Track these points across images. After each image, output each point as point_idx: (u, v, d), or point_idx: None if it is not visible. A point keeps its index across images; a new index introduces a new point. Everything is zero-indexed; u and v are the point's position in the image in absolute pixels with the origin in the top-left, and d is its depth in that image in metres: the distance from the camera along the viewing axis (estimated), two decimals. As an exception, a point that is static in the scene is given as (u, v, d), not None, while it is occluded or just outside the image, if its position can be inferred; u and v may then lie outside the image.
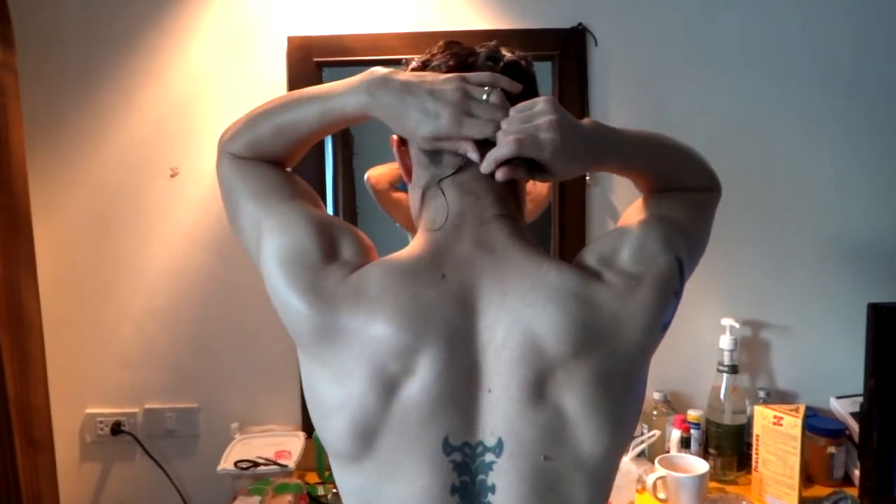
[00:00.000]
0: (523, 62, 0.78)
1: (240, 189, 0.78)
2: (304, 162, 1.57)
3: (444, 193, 0.74)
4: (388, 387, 0.65)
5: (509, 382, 0.66)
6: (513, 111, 0.70)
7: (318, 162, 1.61)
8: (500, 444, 0.65)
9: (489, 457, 0.65)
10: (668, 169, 0.81)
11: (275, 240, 0.72)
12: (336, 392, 0.66)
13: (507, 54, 0.77)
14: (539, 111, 0.69)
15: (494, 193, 0.74)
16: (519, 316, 0.67)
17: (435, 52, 0.78)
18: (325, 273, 0.69)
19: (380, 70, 0.73)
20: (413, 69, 0.78)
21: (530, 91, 0.77)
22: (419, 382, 0.65)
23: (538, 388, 0.65)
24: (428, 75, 0.72)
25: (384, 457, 0.65)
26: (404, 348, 0.65)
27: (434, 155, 0.75)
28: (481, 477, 0.65)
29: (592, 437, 0.66)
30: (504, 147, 0.68)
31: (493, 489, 0.65)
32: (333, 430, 0.67)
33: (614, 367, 0.68)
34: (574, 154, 0.70)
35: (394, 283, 0.67)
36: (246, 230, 0.77)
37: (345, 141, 1.67)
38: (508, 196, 0.76)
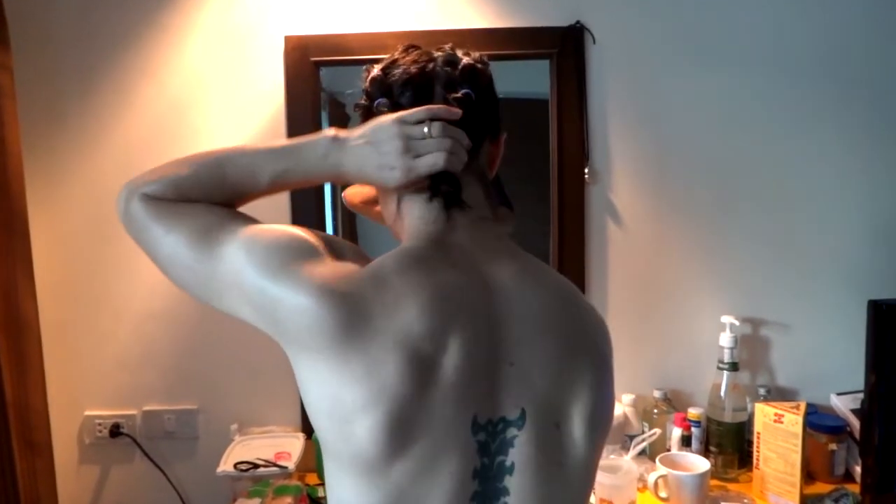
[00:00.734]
0: (479, 65, 0.79)
1: (174, 227, 0.72)
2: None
3: (427, 196, 0.76)
4: (424, 370, 0.64)
5: (533, 353, 0.69)
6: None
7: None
8: (522, 415, 0.68)
9: (511, 432, 0.67)
10: None
11: (259, 252, 0.67)
12: (365, 389, 0.63)
13: (463, 58, 0.78)
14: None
15: (479, 195, 0.78)
16: (536, 291, 0.73)
17: (396, 57, 0.79)
18: (335, 268, 0.67)
19: (329, 132, 0.74)
20: (373, 77, 0.79)
21: (488, 93, 0.80)
22: (451, 362, 0.65)
23: (560, 354, 0.71)
24: (370, 127, 0.73)
25: (420, 449, 0.64)
26: (435, 329, 0.65)
27: None
28: (500, 458, 0.67)
29: (599, 406, 0.72)
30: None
31: (510, 469, 0.67)
32: (364, 431, 0.63)
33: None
34: None
35: (412, 270, 0.68)
36: (205, 263, 0.70)
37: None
38: (489, 201, 0.79)
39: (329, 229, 1.65)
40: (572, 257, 1.61)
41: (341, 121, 1.66)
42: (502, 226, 0.79)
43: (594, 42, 1.57)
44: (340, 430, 0.65)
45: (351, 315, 0.64)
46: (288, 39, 1.57)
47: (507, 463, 0.67)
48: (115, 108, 1.59)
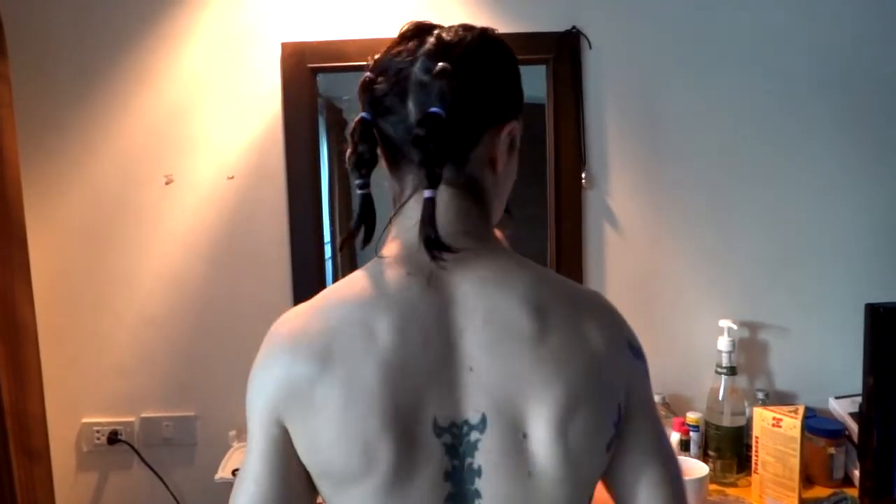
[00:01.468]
0: (459, 64, 0.68)
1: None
2: (298, 163, 1.59)
3: (410, 206, 0.74)
4: (378, 362, 0.65)
5: (492, 359, 0.67)
6: None
7: (313, 164, 1.61)
8: (483, 420, 0.67)
9: (474, 435, 0.67)
10: None
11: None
12: (351, 396, 0.66)
13: (439, 63, 0.68)
14: None
15: (457, 212, 0.74)
16: (504, 296, 0.69)
17: (390, 51, 0.75)
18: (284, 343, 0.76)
19: None
20: (362, 83, 0.75)
21: (481, 86, 0.71)
22: (400, 360, 0.65)
23: (524, 362, 0.67)
24: None
25: (396, 449, 0.65)
26: (375, 326, 0.66)
27: (397, 171, 0.75)
28: (469, 460, 0.67)
29: (571, 417, 0.67)
30: None
31: (479, 472, 0.67)
32: (366, 432, 0.65)
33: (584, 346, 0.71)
34: None
35: (356, 283, 0.70)
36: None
37: (339, 142, 1.67)
38: (472, 214, 0.75)
39: (326, 234, 1.65)
40: (570, 262, 1.61)
41: (339, 126, 1.67)
42: (483, 239, 0.75)
43: (590, 47, 1.58)
44: (353, 430, 0.65)
45: (309, 365, 0.69)
46: (285, 46, 1.57)
47: (475, 466, 0.67)
48: (113, 116, 1.59)
